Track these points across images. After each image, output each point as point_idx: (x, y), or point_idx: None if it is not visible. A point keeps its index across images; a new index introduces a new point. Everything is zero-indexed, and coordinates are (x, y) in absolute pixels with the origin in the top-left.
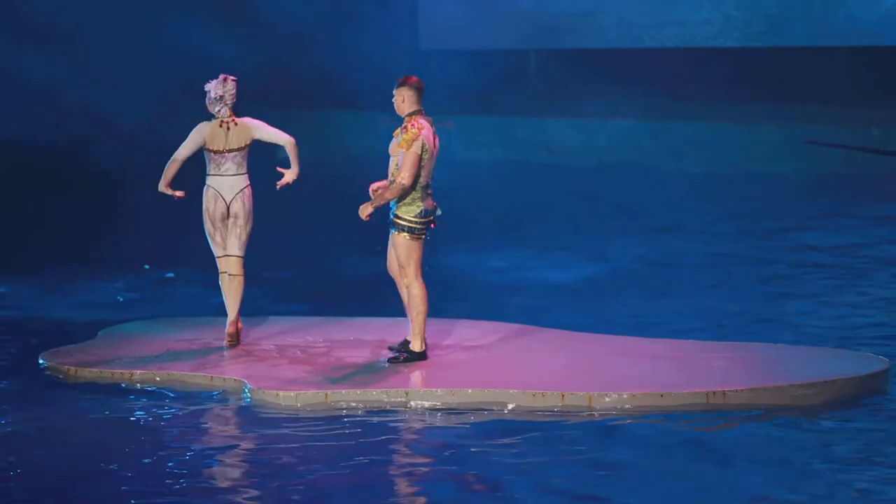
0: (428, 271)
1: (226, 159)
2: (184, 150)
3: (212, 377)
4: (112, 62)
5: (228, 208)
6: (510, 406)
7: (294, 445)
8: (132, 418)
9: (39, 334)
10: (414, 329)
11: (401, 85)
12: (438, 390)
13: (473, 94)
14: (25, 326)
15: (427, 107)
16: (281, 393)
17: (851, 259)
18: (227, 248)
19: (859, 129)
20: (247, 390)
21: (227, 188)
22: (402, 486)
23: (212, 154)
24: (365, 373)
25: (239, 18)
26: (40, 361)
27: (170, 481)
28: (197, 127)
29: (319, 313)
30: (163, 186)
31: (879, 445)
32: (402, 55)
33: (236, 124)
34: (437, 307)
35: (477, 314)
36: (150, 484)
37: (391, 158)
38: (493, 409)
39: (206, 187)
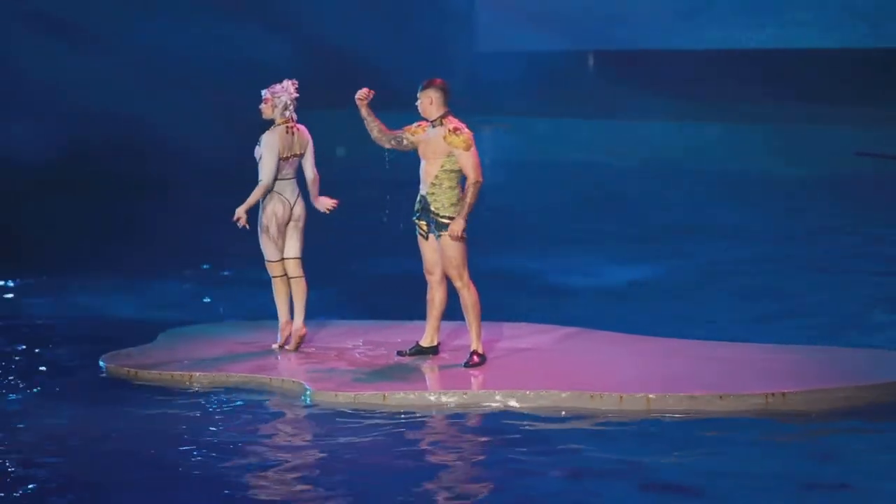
0: (487, 272)
1: (289, 164)
2: (270, 173)
3: (271, 379)
4: (162, 64)
5: (292, 211)
6: (568, 407)
7: (352, 446)
8: (191, 420)
9: (100, 336)
10: (476, 332)
11: (427, 87)
12: (497, 392)
13: (530, 95)
14: (87, 328)
15: (483, 107)
16: (340, 394)
17: None
18: (287, 251)
19: None
20: (306, 391)
21: (290, 192)
22: (462, 487)
23: (279, 160)
24: (422, 374)
25: (295, 21)
26: (101, 363)
27: (228, 482)
28: (267, 141)
29: (373, 316)
30: (242, 211)
31: None
32: (458, 57)
33: (298, 129)
34: (497, 308)
35: (536, 316)
36: (208, 484)
37: (425, 160)
38: (551, 411)
39: (271, 193)
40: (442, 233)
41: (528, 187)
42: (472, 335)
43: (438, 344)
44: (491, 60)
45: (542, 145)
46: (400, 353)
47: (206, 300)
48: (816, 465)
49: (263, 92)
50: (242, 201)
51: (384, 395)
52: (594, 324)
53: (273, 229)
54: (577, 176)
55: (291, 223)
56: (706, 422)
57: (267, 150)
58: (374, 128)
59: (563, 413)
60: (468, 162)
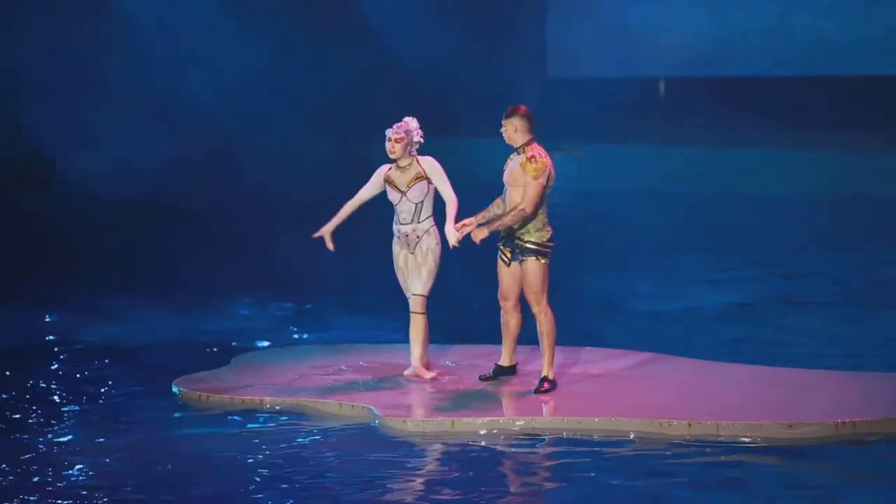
0: (563, 297)
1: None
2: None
3: (341, 404)
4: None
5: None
6: (635, 434)
7: (420, 472)
8: (260, 445)
9: (174, 360)
10: (549, 357)
11: (511, 115)
12: (565, 418)
13: (602, 122)
14: (161, 352)
15: (554, 135)
16: (409, 420)
17: None
18: (414, 289)
19: None
20: (376, 417)
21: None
22: None
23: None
24: (490, 400)
25: (371, 47)
26: (174, 388)
27: None
28: (435, 169)
29: (443, 341)
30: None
31: None
32: (530, 82)
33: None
34: (573, 334)
35: (610, 341)
36: None
37: (509, 188)
38: (619, 438)
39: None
40: (525, 258)
41: (602, 214)
42: (545, 361)
43: (517, 364)
44: (561, 86)
45: (611, 172)
46: (482, 378)
47: (283, 325)
48: (882, 497)
49: (392, 131)
50: (317, 228)
51: (452, 422)
52: (674, 349)
53: (426, 269)
54: (650, 203)
55: (411, 260)
56: (772, 450)
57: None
58: (530, 206)
59: (632, 439)
60: (530, 191)
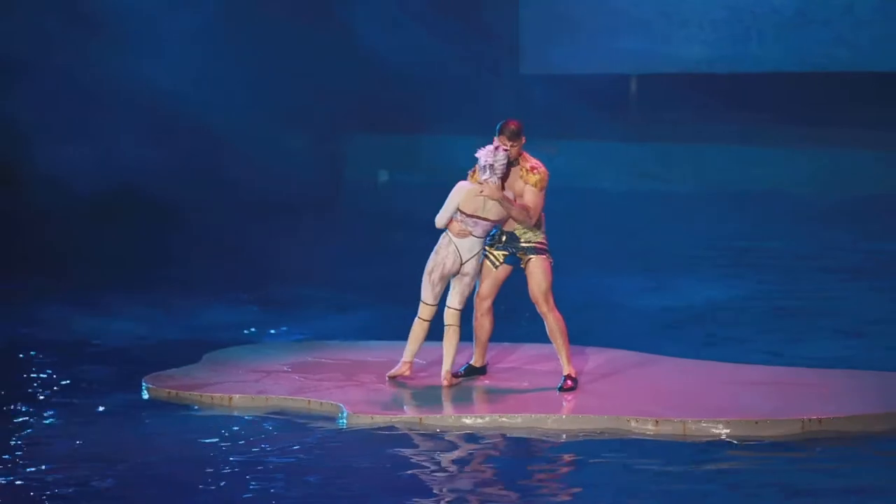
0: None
1: (478, 225)
2: (440, 219)
3: (309, 401)
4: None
5: (462, 266)
6: (602, 431)
7: (386, 469)
8: (226, 443)
9: (145, 357)
10: (566, 356)
11: (518, 135)
12: (531, 415)
13: (575, 118)
14: (132, 350)
15: (527, 131)
16: (376, 417)
17: None
18: (450, 301)
19: None
20: (343, 415)
21: (468, 247)
22: None
23: (463, 214)
24: (460, 398)
25: (342, 45)
26: (143, 385)
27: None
28: (458, 189)
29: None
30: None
31: None
32: (504, 79)
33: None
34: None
35: (584, 339)
36: None
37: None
38: (586, 435)
39: (449, 240)
40: (530, 256)
41: (579, 212)
42: (563, 360)
43: (487, 364)
44: (535, 83)
45: (586, 168)
46: (454, 375)
47: (256, 322)
48: (846, 495)
49: (485, 160)
50: (286, 229)
51: (420, 419)
52: (647, 346)
53: (436, 275)
54: (623, 200)
55: (458, 276)
56: (739, 447)
57: (451, 197)
58: (536, 215)
59: (599, 436)
60: (533, 199)
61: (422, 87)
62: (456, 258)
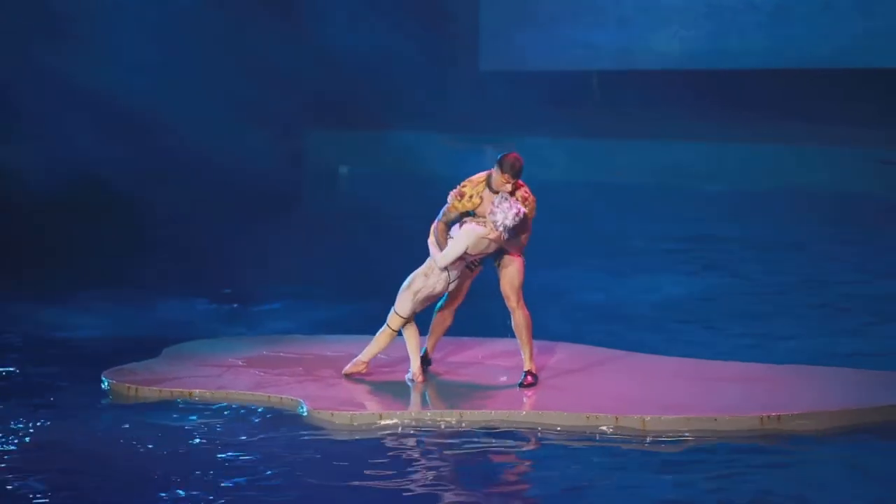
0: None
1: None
2: (445, 259)
3: (269, 397)
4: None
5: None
6: (562, 428)
7: (345, 465)
8: (187, 438)
9: (105, 352)
10: (529, 351)
11: (521, 173)
12: (492, 411)
13: (533, 114)
14: (92, 344)
15: (487, 127)
16: (336, 413)
17: None
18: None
19: None
20: (303, 410)
21: (457, 273)
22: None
23: (467, 254)
24: (421, 394)
25: (305, 39)
26: (103, 379)
27: (220, 499)
28: (467, 232)
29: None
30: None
31: None
32: (463, 75)
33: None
34: (498, 329)
35: (549, 334)
36: (200, 501)
37: (479, 217)
38: (545, 432)
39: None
40: (505, 254)
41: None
42: (526, 356)
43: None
44: (494, 79)
45: (545, 164)
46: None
47: (216, 317)
48: (803, 490)
49: (503, 222)
50: (247, 224)
51: (380, 415)
52: (611, 342)
53: (421, 296)
54: (584, 196)
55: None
56: (698, 443)
57: (460, 240)
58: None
59: (559, 433)
60: (526, 226)
61: (382, 83)
62: (447, 283)
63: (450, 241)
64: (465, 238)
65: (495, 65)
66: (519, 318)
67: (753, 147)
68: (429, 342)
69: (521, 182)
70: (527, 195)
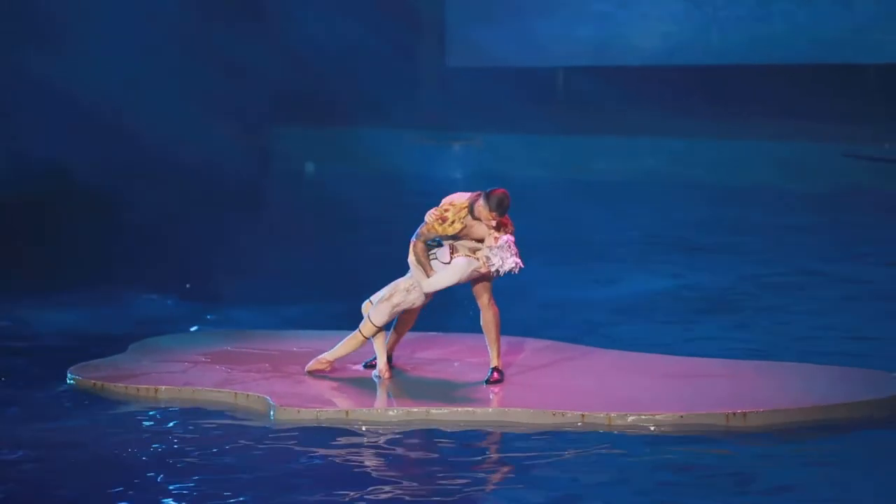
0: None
1: None
2: (431, 287)
3: (236, 394)
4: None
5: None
6: (528, 425)
7: (310, 463)
8: (151, 434)
9: (70, 348)
10: (497, 348)
11: (507, 211)
12: (459, 408)
13: (500, 111)
14: (57, 340)
15: (453, 123)
16: (302, 410)
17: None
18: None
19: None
20: (269, 407)
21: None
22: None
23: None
24: (388, 391)
25: (267, 35)
26: (68, 376)
27: (183, 498)
28: (462, 266)
29: (350, 328)
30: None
31: (891, 471)
32: (429, 72)
33: None
34: (465, 324)
35: (514, 330)
36: (162, 500)
37: (476, 241)
38: (511, 429)
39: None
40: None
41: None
42: (493, 353)
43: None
44: (460, 75)
45: (514, 161)
46: (367, 365)
47: (183, 313)
48: (767, 486)
49: (501, 267)
50: (213, 221)
51: (346, 412)
52: (578, 338)
53: (399, 309)
54: (550, 192)
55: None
56: (666, 440)
57: (453, 274)
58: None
59: (525, 430)
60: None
61: (348, 80)
62: (427, 299)
63: (441, 269)
64: (459, 272)
65: (462, 61)
66: (488, 315)
67: (721, 143)
68: (391, 339)
69: (506, 219)
70: (507, 222)
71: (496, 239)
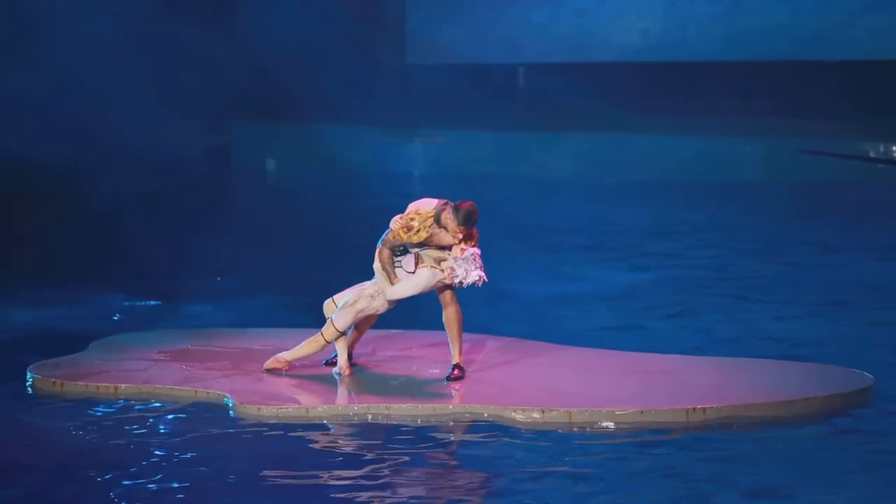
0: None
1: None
2: (396, 294)
3: (196, 391)
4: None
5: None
6: (490, 421)
7: (272, 460)
8: (111, 433)
9: (30, 346)
10: (459, 346)
11: (475, 224)
12: (419, 405)
13: (460, 108)
14: (16, 339)
15: (414, 121)
16: (263, 407)
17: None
18: (338, 298)
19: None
20: (230, 405)
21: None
22: (378, 500)
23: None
24: (348, 388)
25: (228, 32)
26: (28, 374)
27: (143, 497)
28: (428, 278)
29: (310, 326)
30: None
31: (854, 465)
32: (388, 69)
33: None
34: (435, 322)
35: (476, 327)
36: (122, 499)
37: (443, 248)
38: (472, 424)
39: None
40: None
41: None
42: (454, 350)
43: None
44: (421, 72)
45: (474, 158)
46: (328, 362)
47: (144, 311)
48: (726, 481)
49: (465, 279)
50: (174, 218)
51: (307, 409)
52: (535, 335)
53: (362, 315)
54: (509, 188)
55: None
56: (624, 436)
57: (416, 284)
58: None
59: (484, 425)
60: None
61: (308, 77)
62: (391, 306)
63: (405, 278)
64: (422, 283)
65: (421, 58)
66: (451, 312)
67: (675, 140)
68: (352, 336)
69: (475, 231)
70: (475, 234)
71: (462, 251)
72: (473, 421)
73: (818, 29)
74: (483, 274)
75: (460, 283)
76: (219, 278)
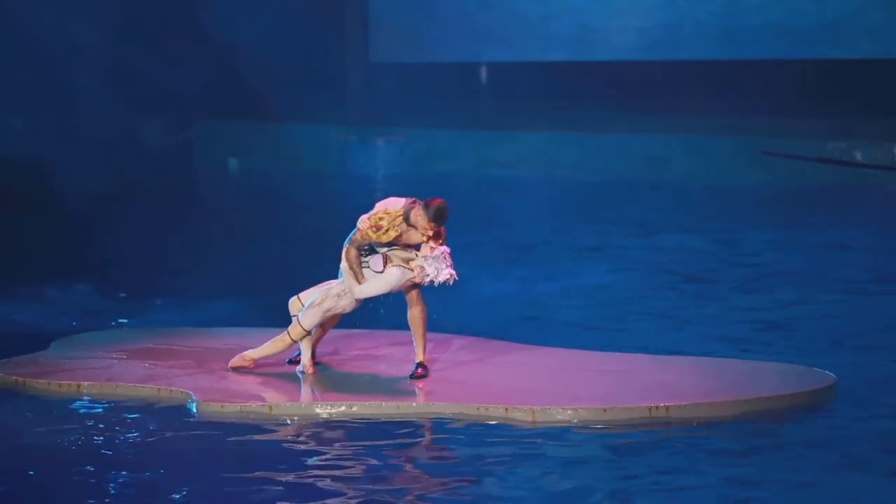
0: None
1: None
2: (363, 293)
3: (159, 389)
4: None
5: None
6: (453, 419)
7: (235, 458)
8: (72, 431)
9: None
10: (423, 344)
11: (446, 222)
12: (383, 402)
13: (423, 106)
14: None
15: (378, 119)
16: (226, 405)
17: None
18: (304, 296)
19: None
20: (193, 403)
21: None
22: (342, 498)
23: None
24: (312, 386)
25: (192, 30)
26: None
27: (105, 495)
28: (398, 277)
29: (275, 325)
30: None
31: (812, 464)
32: (353, 68)
33: None
34: (399, 321)
35: (440, 326)
36: (86, 497)
37: (413, 245)
38: (436, 422)
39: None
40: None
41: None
42: (418, 348)
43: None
44: (384, 71)
45: (437, 157)
46: (291, 361)
47: (107, 309)
48: (688, 478)
49: (435, 277)
50: (138, 217)
51: (270, 407)
52: (495, 335)
53: (329, 314)
54: (472, 187)
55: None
56: (587, 434)
57: (385, 283)
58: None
59: (449, 424)
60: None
61: (272, 75)
62: (358, 304)
63: (373, 277)
64: (391, 282)
65: (385, 57)
66: (416, 311)
67: (636, 138)
68: (316, 334)
69: (442, 229)
70: (441, 232)
71: (432, 249)
72: (437, 419)
73: (815, 27)
74: (454, 272)
75: (431, 281)
76: (182, 277)
